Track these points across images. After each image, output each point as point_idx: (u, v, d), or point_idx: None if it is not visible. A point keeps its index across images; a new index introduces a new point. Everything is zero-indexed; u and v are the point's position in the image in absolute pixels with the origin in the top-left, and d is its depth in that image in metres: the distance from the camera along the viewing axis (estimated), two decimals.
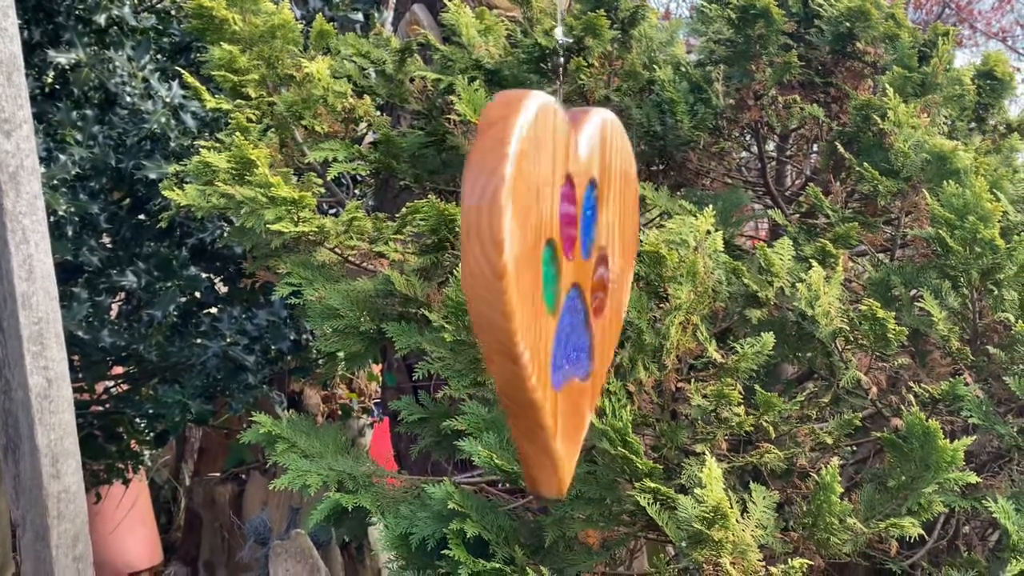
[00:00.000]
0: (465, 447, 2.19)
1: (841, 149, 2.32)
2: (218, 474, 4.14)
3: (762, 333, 2.11)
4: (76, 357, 3.34)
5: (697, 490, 1.91)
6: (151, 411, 3.28)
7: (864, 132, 2.39)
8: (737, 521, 1.94)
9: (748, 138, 2.66)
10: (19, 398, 2.19)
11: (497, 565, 2.07)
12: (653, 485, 1.96)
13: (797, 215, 2.59)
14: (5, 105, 2.17)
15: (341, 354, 2.39)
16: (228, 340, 3.10)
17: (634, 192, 1.32)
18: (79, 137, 3.08)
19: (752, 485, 2.05)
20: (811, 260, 2.19)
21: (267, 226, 2.31)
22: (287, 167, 2.55)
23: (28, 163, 2.19)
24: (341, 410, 3.81)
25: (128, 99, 3.13)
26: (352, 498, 2.25)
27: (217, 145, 2.51)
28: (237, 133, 2.40)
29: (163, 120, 3.05)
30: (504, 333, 1.09)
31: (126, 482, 4.21)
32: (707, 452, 2.01)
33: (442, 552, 2.11)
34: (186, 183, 2.49)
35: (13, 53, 2.18)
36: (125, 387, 3.72)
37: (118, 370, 3.65)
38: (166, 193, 2.44)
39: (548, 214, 1.14)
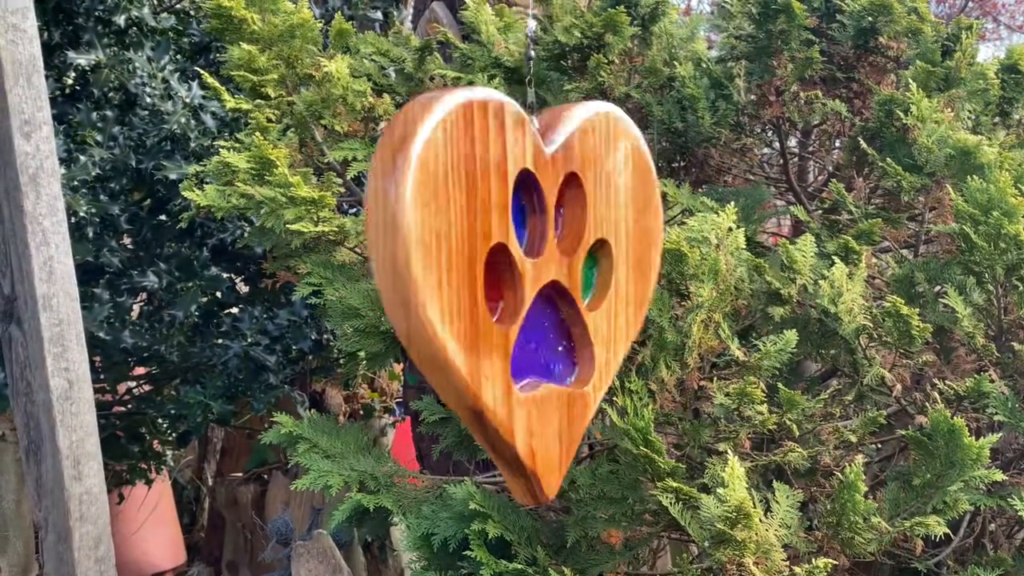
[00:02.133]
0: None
1: (864, 145, 2.30)
2: (240, 474, 4.14)
3: (785, 331, 2.10)
4: (98, 358, 3.34)
5: (720, 489, 1.89)
6: (173, 412, 3.28)
7: (887, 127, 2.37)
8: (760, 521, 1.93)
9: (770, 134, 2.65)
10: (41, 400, 2.18)
11: (519, 566, 2.07)
12: (675, 485, 1.95)
13: (820, 211, 2.57)
14: (25, 107, 2.17)
15: (362, 353, 2.39)
16: (249, 340, 3.10)
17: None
18: (99, 138, 3.08)
19: (776, 484, 2.04)
20: (834, 257, 2.18)
21: (287, 226, 2.31)
22: (307, 167, 2.55)
23: (48, 165, 2.18)
24: (363, 410, 3.81)
25: (148, 100, 3.12)
26: (374, 498, 2.24)
27: (237, 145, 2.50)
28: (256, 133, 2.39)
29: (183, 120, 3.05)
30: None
31: (149, 483, 4.21)
32: (730, 451, 1.99)
33: (464, 552, 2.10)
34: (206, 183, 2.49)
35: (32, 55, 2.17)
36: (147, 388, 3.72)
37: (140, 371, 3.65)
38: (186, 194, 2.44)
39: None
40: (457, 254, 1.09)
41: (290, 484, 2.49)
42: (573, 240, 1.24)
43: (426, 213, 1.06)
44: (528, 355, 1.23)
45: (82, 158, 2.95)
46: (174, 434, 3.73)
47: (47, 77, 3.14)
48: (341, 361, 2.61)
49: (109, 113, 3.10)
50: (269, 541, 2.95)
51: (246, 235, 2.50)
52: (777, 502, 2.02)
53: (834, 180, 2.30)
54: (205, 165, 2.49)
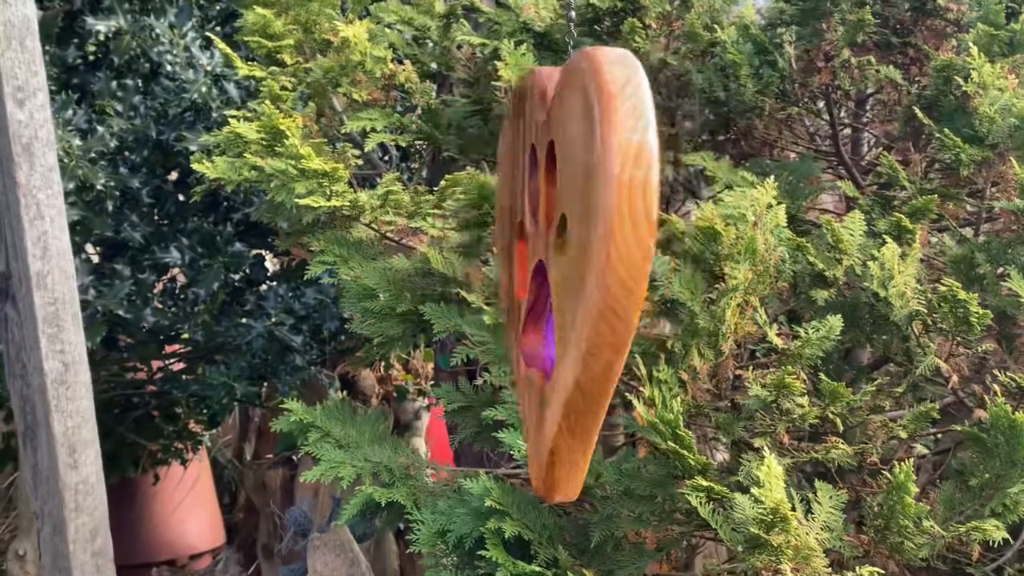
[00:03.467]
0: (504, 439, 2.03)
1: (920, 114, 2.12)
2: (271, 456, 4.02)
3: (829, 316, 1.93)
4: (123, 336, 3.23)
5: (755, 489, 1.73)
6: (197, 393, 3.16)
7: (945, 96, 2.18)
8: (800, 523, 1.76)
9: (819, 104, 2.47)
10: (35, 383, 2.06)
11: (538, 569, 1.92)
12: (706, 483, 1.78)
13: (874, 187, 2.39)
14: (18, 72, 2.04)
15: (379, 338, 2.24)
16: (274, 320, 2.97)
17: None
18: (119, 108, 2.96)
19: (818, 483, 1.87)
20: (885, 236, 2.00)
21: (297, 201, 2.16)
22: (324, 137, 2.40)
23: (43, 134, 2.05)
24: (396, 392, 3.67)
25: (169, 68, 2.99)
26: (387, 492, 2.10)
27: (249, 115, 2.36)
28: (267, 102, 2.25)
29: (204, 90, 2.92)
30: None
31: (184, 462, 4.11)
32: (766, 447, 1.83)
33: (480, 552, 1.96)
34: (222, 155, 2.36)
35: (26, 16, 2.04)
36: (179, 366, 3.61)
37: (174, 348, 3.55)
38: (196, 166, 2.31)
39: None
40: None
41: (309, 471, 2.36)
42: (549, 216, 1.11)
43: None
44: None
45: (99, 129, 2.83)
46: (207, 413, 3.62)
47: (69, 44, 3.02)
48: (366, 343, 2.46)
49: (130, 82, 2.98)
50: (287, 532, 2.83)
51: (260, 209, 2.36)
52: (819, 503, 1.85)
53: (886, 153, 2.11)
54: (217, 135, 2.36)
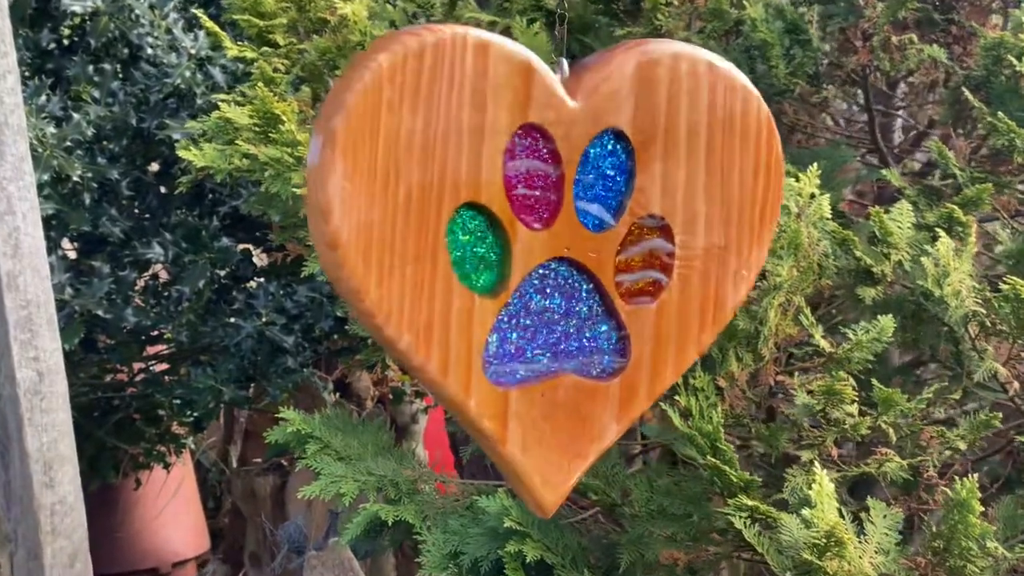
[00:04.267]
0: None
1: (970, 96, 1.95)
2: (259, 460, 3.84)
3: (879, 316, 1.76)
4: (103, 337, 3.05)
5: (806, 511, 1.56)
6: (182, 397, 2.98)
7: (995, 76, 2.01)
8: (855, 547, 1.60)
9: (855, 89, 2.30)
10: (6, 394, 1.88)
11: None
12: (751, 503, 1.62)
13: (908, 175, 2.22)
14: None
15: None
16: (264, 319, 2.79)
17: (745, 146, 1.04)
18: (97, 94, 2.77)
19: (870, 501, 1.70)
20: (937, 229, 1.83)
21: (294, 191, 1.99)
22: None
23: (13, 120, 1.87)
24: (392, 394, 3.49)
25: (150, 51, 2.81)
26: (393, 509, 1.92)
27: (239, 99, 2.18)
28: (260, 84, 2.07)
29: (187, 74, 2.73)
30: (362, 314, 0.96)
31: (167, 466, 3.93)
32: (815, 461, 1.66)
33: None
34: (209, 142, 2.18)
35: None
36: (161, 368, 3.43)
37: (157, 348, 3.37)
38: (182, 153, 2.13)
39: (464, 172, 0.96)
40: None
41: (306, 484, 2.19)
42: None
43: None
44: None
45: (75, 116, 2.64)
46: (193, 415, 3.44)
47: (43, 28, 2.83)
48: (369, 342, 2.29)
49: (108, 66, 2.79)
50: (280, 549, 2.65)
51: (249, 201, 2.18)
52: (872, 522, 1.68)
53: (935, 138, 1.95)
54: (204, 122, 2.18)
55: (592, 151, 1.02)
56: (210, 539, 4.52)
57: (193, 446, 4.33)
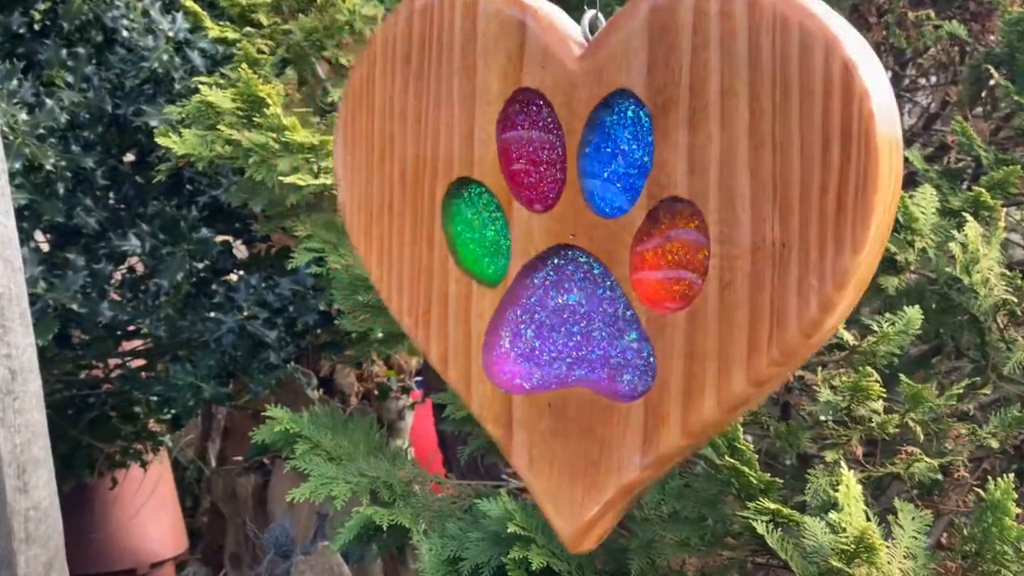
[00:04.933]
0: None
1: (995, 73, 1.85)
2: (239, 458, 3.72)
3: (905, 307, 1.66)
4: (78, 332, 2.93)
5: (833, 514, 1.46)
6: (161, 394, 2.87)
7: (1019, 53, 1.92)
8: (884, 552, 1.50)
9: None
10: None
11: None
12: (772, 506, 1.52)
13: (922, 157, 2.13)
14: None
15: (379, 333, 1.96)
16: (246, 313, 2.67)
17: (808, 108, 0.78)
18: (70, 79, 2.65)
19: (898, 502, 1.60)
20: (964, 214, 1.73)
21: (280, 179, 1.87)
22: (307, 107, 2.12)
23: None
24: (378, 390, 3.39)
25: (126, 34, 2.69)
26: (388, 513, 1.82)
27: (221, 82, 2.07)
28: (243, 65, 1.96)
29: (165, 58, 2.62)
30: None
31: (144, 465, 3.82)
32: (842, 462, 1.56)
33: None
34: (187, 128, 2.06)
35: None
36: (137, 363, 3.31)
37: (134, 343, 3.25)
38: (160, 140, 2.02)
39: (457, 145, 0.88)
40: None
41: (288, 484, 2.08)
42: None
43: None
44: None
45: (48, 102, 2.52)
46: (170, 413, 3.32)
47: (12, 9, 2.72)
48: (353, 338, 2.18)
49: (82, 50, 2.67)
50: (265, 553, 2.55)
51: (232, 190, 2.07)
52: (900, 525, 1.58)
53: (958, 118, 1.85)
54: (184, 106, 2.06)
55: (607, 119, 0.87)
56: (189, 539, 4.41)
57: (170, 444, 4.21)
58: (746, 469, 1.53)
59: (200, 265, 2.87)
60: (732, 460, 1.54)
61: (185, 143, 1.99)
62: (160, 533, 4.27)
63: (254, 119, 1.92)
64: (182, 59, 2.67)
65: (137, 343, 3.30)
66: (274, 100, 1.92)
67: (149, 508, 4.22)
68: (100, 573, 4.12)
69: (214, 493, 3.64)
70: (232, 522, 3.51)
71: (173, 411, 3.05)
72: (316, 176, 1.88)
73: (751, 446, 1.55)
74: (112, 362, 3.33)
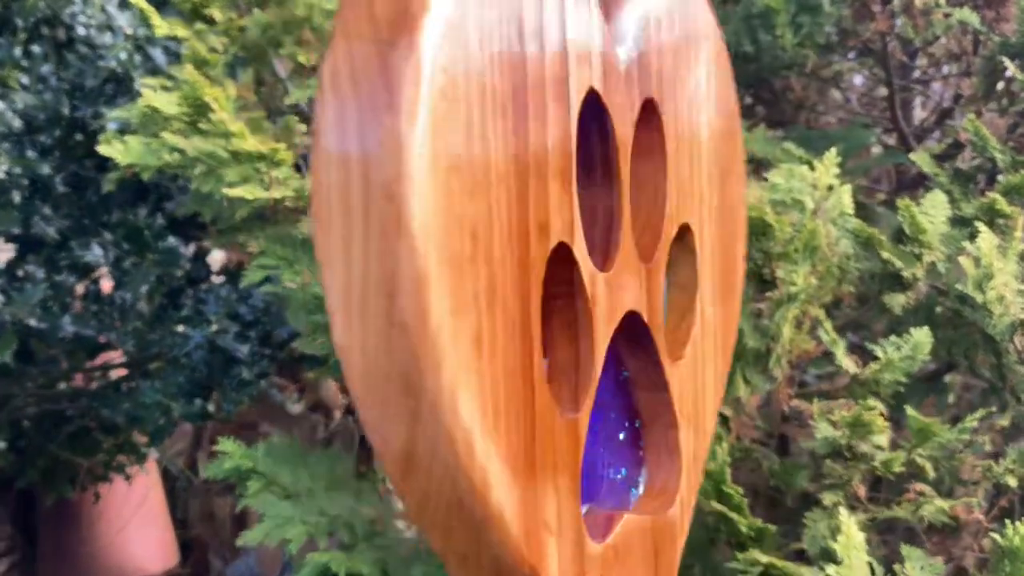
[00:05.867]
0: None
1: (1011, 66, 1.68)
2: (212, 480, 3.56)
3: (912, 329, 1.49)
4: (42, 347, 2.78)
5: (832, 569, 1.30)
6: (130, 412, 2.71)
7: None
8: None
9: (870, 60, 2.02)
10: None
11: None
12: (765, 559, 1.35)
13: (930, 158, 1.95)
14: None
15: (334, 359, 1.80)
16: (215, 327, 2.51)
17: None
18: (25, 80, 2.49)
19: (905, 549, 1.43)
20: (976, 223, 1.55)
21: (227, 191, 1.71)
22: (266, 110, 1.95)
23: None
24: None
25: (83, 31, 2.52)
26: (347, 558, 1.66)
27: (168, 84, 1.91)
28: (188, 66, 1.79)
29: (123, 56, 2.45)
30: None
31: (128, 478, 3.67)
32: (842, 507, 1.39)
33: None
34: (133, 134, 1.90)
35: None
36: (114, 377, 3.16)
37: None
38: (102, 149, 1.85)
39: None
40: (502, 274, 0.51)
41: (250, 531, 1.91)
42: (649, 231, 0.65)
43: (455, 183, 0.48)
44: None
45: (1, 104, 2.37)
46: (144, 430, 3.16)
47: None
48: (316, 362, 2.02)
49: (37, 49, 2.51)
50: None
51: (183, 203, 1.91)
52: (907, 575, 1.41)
53: (971, 116, 1.67)
54: (130, 110, 1.90)
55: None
56: (181, 552, 4.26)
57: (157, 454, 4.06)
58: (735, 516, 1.37)
59: (179, 274, 2.71)
60: (720, 506, 1.37)
61: (130, 151, 1.83)
62: (148, 547, 4.12)
63: (199, 125, 1.76)
64: (143, 57, 2.51)
65: (114, 355, 3.15)
66: (221, 104, 1.75)
67: (137, 522, 4.07)
68: None
69: (191, 514, 3.48)
70: (212, 548, 3.35)
71: (145, 429, 2.89)
72: (267, 188, 1.72)
73: (740, 490, 1.38)
74: (85, 376, 3.18)
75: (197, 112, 1.76)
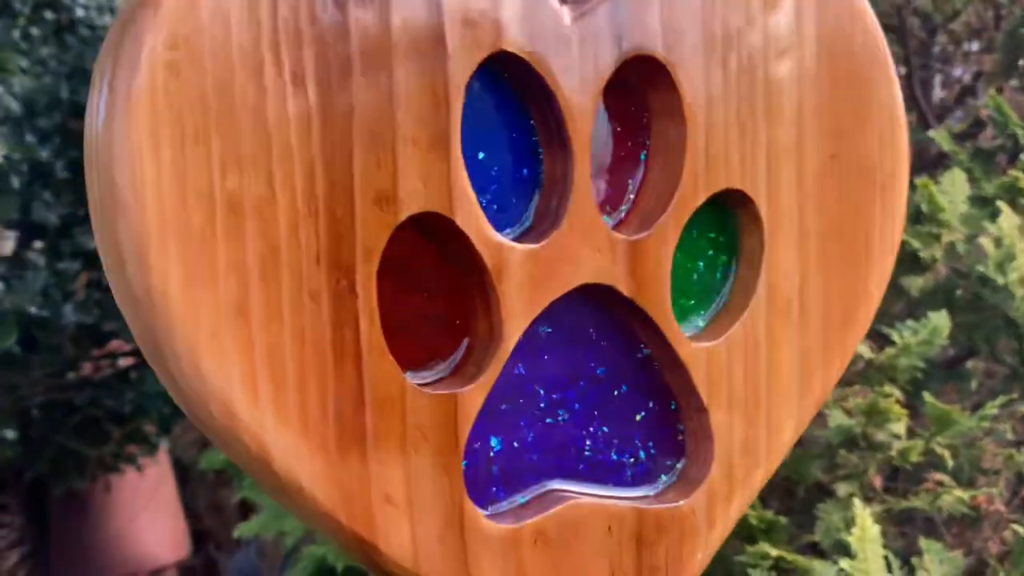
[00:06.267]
0: None
1: None
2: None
3: (930, 313, 1.43)
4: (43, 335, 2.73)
5: (845, 562, 1.24)
6: (134, 402, 2.67)
7: None
8: None
9: (889, 37, 1.96)
10: None
11: None
12: (775, 552, 1.29)
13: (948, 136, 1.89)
14: None
15: None
16: None
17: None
18: (24, 64, 2.44)
19: (923, 542, 1.38)
20: (997, 202, 1.49)
21: None
22: None
23: None
24: None
25: (82, 12, 2.48)
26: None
27: None
28: None
29: None
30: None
31: (139, 468, 3.64)
32: (857, 499, 1.33)
33: None
34: None
35: None
36: (129, 361, 3.12)
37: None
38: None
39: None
40: (294, 244, 0.50)
41: (245, 523, 1.87)
42: (652, 200, 0.59)
43: (196, 157, 0.47)
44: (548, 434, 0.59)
45: None
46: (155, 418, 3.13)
47: None
48: None
49: (36, 31, 2.46)
50: None
51: None
52: (926, 569, 1.35)
53: (992, 92, 1.61)
54: None
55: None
56: (194, 542, 4.23)
57: (168, 444, 4.03)
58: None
59: None
60: None
61: None
62: (160, 538, 4.09)
63: None
64: None
65: (124, 343, 3.11)
66: None
67: (149, 511, 4.04)
68: None
69: (197, 505, 3.45)
70: (220, 538, 3.32)
71: (151, 420, 2.85)
72: None
73: None
74: (94, 365, 3.15)
75: None
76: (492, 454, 0.56)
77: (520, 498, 0.57)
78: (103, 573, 3.97)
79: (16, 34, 2.44)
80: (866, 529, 1.24)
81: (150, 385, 2.50)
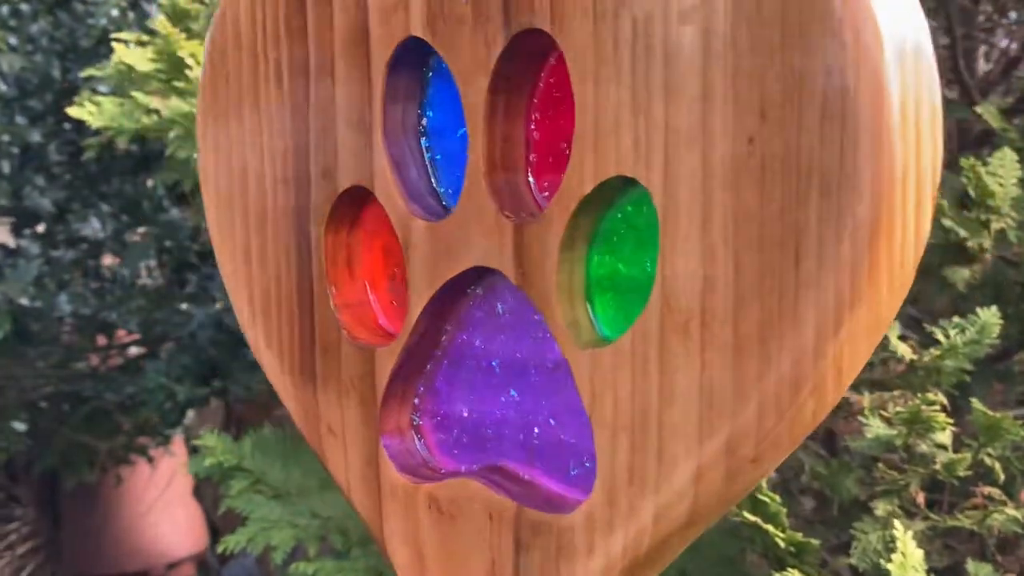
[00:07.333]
0: None
1: None
2: None
3: (978, 309, 1.29)
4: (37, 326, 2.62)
5: None
6: (134, 396, 2.55)
7: None
8: None
9: (930, 5, 1.81)
10: None
11: None
12: None
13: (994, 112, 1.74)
14: None
15: None
16: (220, 304, 2.35)
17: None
18: (14, 41, 2.32)
19: (972, 564, 1.23)
20: None
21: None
22: None
23: None
24: None
25: None
26: (338, 566, 1.48)
27: (144, 38, 1.73)
28: (161, 18, 1.61)
29: (115, 13, 2.28)
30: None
31: (150, 460, 3.53)
32: (896, 514, 1.19)
33: None
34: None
35: None
36: (137, 351, 3.01)
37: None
38: (73, 111, 1.68)
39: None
40: (273, 207, 0.64)
41: (232, 534, 1.74)
42: (549, 184, 0.57)
43: (222, 140, 0.65)
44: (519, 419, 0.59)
45: None
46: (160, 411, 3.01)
47: None
48: None
49: (26, 7, 2.34)
50: None
51: (160, 171, 1.74)
52: None
53: None
54: (103, 69, 1.73)
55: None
56: (211, 535, 4.12)
57: (183, 435, 3.92)
58: (771, 527, 1.17)
59: (195, 247, 2.54)
60: (754, 517, 1.18)
61: (103, 114, 1.66)
62: (174, 531, 3.98)
63: (175, 83, 1.58)
64: (138, 14, 2.34)
65: (130, 336, 3.01)
66: (199, 60, 1.57)
67: (163, 504, 3.92)
68: (110, 575, 3.85)
69: (204, 502, 3.33)
70: (229, 531, 3.20)
71: (154, 413, 2.73)
72: None
73: (777, 498, 1.18)
74: (100, 356, 3.05)
75: (173, 69, 1.58)
76: (459, 420, 0.61)
77: (475, 467, 0.60)
78: (116, 566, 3.87)
79: (4, 10, 2.32)
80: (909, 556, 1.10)
81: (151, 378, 2.38)
